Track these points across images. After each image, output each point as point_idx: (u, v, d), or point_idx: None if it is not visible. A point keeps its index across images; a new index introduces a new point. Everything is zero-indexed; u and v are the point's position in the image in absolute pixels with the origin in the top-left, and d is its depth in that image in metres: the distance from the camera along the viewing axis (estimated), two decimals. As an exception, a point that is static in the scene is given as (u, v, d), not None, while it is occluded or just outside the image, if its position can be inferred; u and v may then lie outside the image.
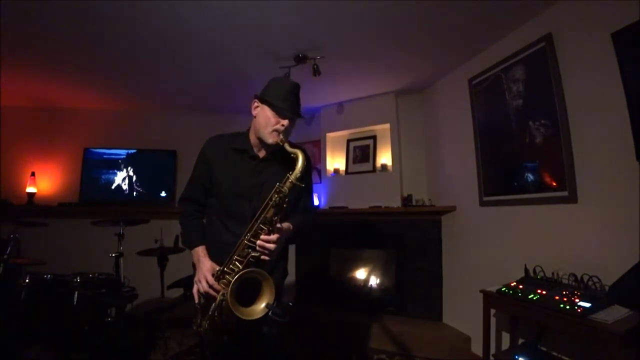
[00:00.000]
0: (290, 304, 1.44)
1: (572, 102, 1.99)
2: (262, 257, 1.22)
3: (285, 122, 1.31)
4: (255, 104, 1.38)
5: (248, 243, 1.22)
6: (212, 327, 1.27)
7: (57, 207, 3.63)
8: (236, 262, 1.23)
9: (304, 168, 1.24)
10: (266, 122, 1.32)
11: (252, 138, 1.41)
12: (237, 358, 1.41)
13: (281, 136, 1.30)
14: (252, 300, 1.19)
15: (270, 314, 1.16)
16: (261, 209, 1.23)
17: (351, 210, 3.59)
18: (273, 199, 1.20)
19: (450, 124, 3.15)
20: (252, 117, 1.41)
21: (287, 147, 1.28)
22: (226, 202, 1.38)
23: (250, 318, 1.15)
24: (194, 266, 1.39)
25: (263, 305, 1.17)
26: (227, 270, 1.25)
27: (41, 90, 3.46)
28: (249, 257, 1.21)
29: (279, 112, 1.31)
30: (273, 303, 1.17)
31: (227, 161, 1.39)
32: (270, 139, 1.31)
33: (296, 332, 3.19)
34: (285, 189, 1.20)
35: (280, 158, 1.37)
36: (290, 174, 1.22)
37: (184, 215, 1.46)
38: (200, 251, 1.35)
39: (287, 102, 1.31)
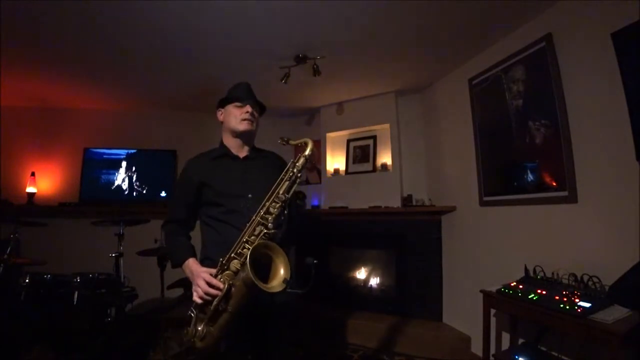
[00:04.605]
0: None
1: (572, 102, 1.99)
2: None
3: (248, 107, 1.43)
4: (220, 111, 1.51)
5: (261, 220, 1.21)
6: (212, 327, 1.20)
7: (57, 207, 3.63)
8: (246, 245, 1.20)
9: (312, 153, 1.29)
10: (233, 116, 1.44)
11: (228, 142, 1.49)
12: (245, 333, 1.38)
13: (250, 125, 1.43)
14: (266, 278, 1.17)
15: (288, 289, 1.18)
16: (275, 184, 1.26)
17: (351, 210, 3.59)
18: (288, 172, 1.25)
19: (450, 124, 3.15)
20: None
21: (292, 142, 1.36)
22: (225, 202, 1.39)
23: (270, 291, 1.12)
24: None
25: (281, 280, 1.15)
26: (234, 257, 1.21)
27: (41, 90, 3.46)
28: (261, 234, 1.19)
29: (240, 101, 1.44)
30: (290, 277, 1.16)
31: (214, 170, 1.43)
32: (241, 127, 1.43)
33: (296, 332, 3.18)
34: (299, 164, 1.26)
35: (262, 157, 1.52)
36: (302, 153, 1.28)
37: (169, 235, 1.46)
38: (192, 262, 1.33)
39: (244, 93, 1.47)
